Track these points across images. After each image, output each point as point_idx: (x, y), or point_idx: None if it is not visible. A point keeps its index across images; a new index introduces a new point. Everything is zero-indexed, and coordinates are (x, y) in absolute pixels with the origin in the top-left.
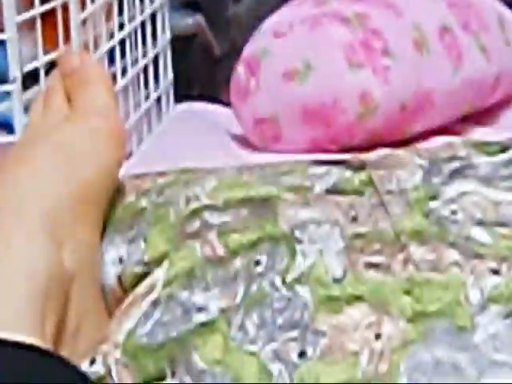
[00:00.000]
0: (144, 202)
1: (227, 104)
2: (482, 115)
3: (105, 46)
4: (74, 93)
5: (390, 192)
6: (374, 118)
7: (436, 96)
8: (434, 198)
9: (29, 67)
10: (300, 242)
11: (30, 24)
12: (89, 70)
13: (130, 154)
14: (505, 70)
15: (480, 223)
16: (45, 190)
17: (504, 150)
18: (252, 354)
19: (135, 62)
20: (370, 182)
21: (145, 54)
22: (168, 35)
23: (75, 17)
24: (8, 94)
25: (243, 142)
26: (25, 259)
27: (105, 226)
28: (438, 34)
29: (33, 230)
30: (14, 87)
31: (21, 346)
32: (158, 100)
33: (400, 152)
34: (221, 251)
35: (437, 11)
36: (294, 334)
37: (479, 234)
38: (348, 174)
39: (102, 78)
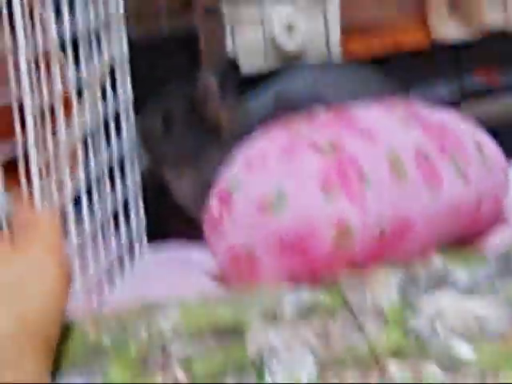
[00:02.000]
0: (105, 338)
1: (202, 243)
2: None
3: (69, 189)
4: (20, 234)
5: (364, 311)
6: (352, 246)
7: (415, 222)
8: (412, 313)
9: None
10: (270, 368)
11: None
12: (37, 219)
13: (102, 302)
14: (485, 192)
15: (461, 337)
16: None
17: (483, 262)
18: None
19: (105, 206)
20: (344, 302)
21: (114, 199)
22: (138, 178)
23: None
24: None
25: (219, 279)
26: None
27: (60, 365)
28: (414, 160)
29: None
30: None
31: None
32: (131, 244)
33: (375, 270)
34: (184, 381)
35: (412, 136)
36: None
37: (460, 347)
38: (320, 295)
39: (47, 222)
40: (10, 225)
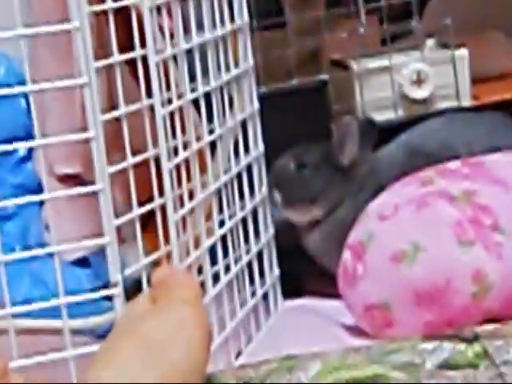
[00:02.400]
0: None
1: (337, 296)
2: None
3: (206, 243)
4: (158, 293)
5: (507, 362)
6: (490, 297)
7: None
8: None
9: (130, 271)
10: None
11: None
12: (176, 276)
13: (240, 353)
14: None
15: None
16: None
17: None
18: None
19: (239, 258)
20: (485, 354)
21: (248, 251)
22: (271, 230)
23: (172, 216)
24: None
25: (355, 331)
26: None
27: None
28: None
29: None
30: (116, 291)
31: None
32: (265, 296)
33: None
34: None
35: None
36: None
37: None
38: (461, 347)
39: (186, 279)
40: (150, 283)
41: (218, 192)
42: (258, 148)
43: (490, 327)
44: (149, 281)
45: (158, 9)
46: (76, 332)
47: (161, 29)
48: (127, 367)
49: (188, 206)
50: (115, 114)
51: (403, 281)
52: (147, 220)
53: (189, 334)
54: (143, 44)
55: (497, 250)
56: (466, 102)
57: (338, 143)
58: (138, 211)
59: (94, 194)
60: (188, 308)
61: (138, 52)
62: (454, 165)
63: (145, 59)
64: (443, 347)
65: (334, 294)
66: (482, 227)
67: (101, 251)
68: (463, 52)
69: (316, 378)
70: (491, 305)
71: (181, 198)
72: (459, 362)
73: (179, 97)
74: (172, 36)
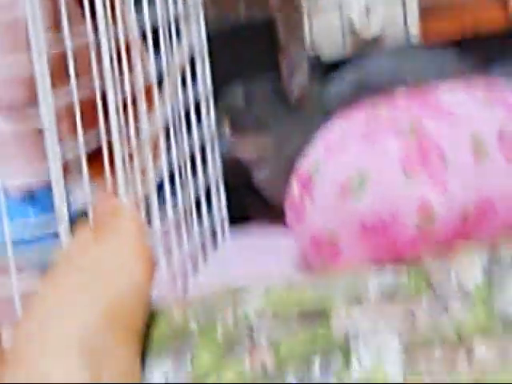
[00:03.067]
0: (191, 323)
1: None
2: None
3: (153, 180)
4: (102, 224)
5: (449, 293)
6: (435, 229)
7: (498, 203)
8: (497, 294)
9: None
10: (355, 350)
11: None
12: (118, 209)
13: (187, 287)
14: None
15: None
16: (76, 319)
17: None
18: None
19: (187, 195)
20: (429, 285)
21: (196, 188)
22: (220, 167)
23: (119, 152)
24: None
25: (302, 262)
26: None
27: (149, 350)
28: (496, 140)
29: (67, 358)
30: (62, 227)
31: None
32: (213, 233)
33: (459, 253)
34: (271, 364)
35: (494, 116)
36: None
37: None
38: (405, 278)
39: (128, 212)
40: (93, 214)
41: (166, 129)
42: (206, 84)
43: (434, 259)
44: (92, 213)
45: None
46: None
47: None
48: (71, 297)
49: (135, 142)
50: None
51: (350, 213)
52: (95, 156)
53: (132, 265)
54: None
55: (443, 182)
56: (415, 36)
57: (287, 76)
58: (84, 147)
59: (40, 131)
60: (131, 240)
61: None
62: (401, 96)
63: None
64: (387, 279)
65: (282, 225)
66: (429, 160)
67: (49, 186)
68: None
69: (261, 309)
70: (436, 236)
71: (128, 133)
72: (403, 292)
73: (125, 31)
74: None
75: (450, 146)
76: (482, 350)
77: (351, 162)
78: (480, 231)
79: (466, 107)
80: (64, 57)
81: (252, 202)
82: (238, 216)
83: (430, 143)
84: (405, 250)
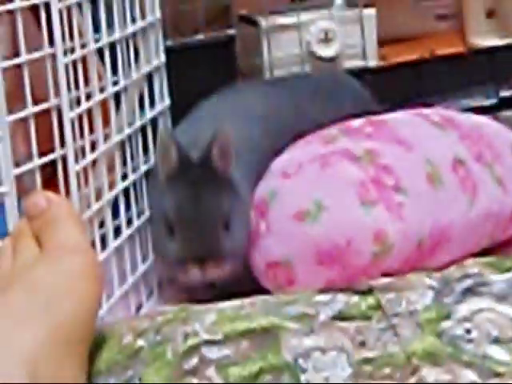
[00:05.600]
0: (141, 342)
1: None
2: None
3: (107, 196)
4: (43, 234)
5: (398, 314)
6: (390, 257)
7: (453, 230)
8: (446, 317)
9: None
10: (304, 371)
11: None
12: (56, 209)
13: (141, 306)
14: None
15: (496, 341)
16: (22, 333)
17: None
18: None
19: (142, 211)
20: (378, 306)
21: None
22: None
23: (73, 167)
24: None
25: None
26: None
27: (97, 369)
28: (451, 168)
29: (11, 372)
30: (7, 189)
31: None
32: None
33: (409, 275)
34: None
35: (449, 144)
36: None
37: (496, 352)
38: (355, 299)
39: (70, 216)
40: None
41: (122, 145)
42: (163, 101)
43: (384, 280)
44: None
45: None
46: None
47: None
48: (16, 313)
49: (90, 157)
50: (16, 61)
51: (305, 239)
52: (52, 172)
53: (79, 284)
54: None
55: (398, 210)
56: (373, 62)
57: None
58: (38, 161)
59: None
60: (78, 257)
61: None
62: (357, 123)
63: (48, 6)
64: (337, 299)
65: None
66: (384, 187)
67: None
68: (371, 12)
69: (211, 329)
70: (391, 265)
71: (83, 149)
72: (353, 313)
73: (83, 46)
74: None
75: (404, 173)
76: (430, 374)
77: (308, 189)
78: (434, 259)
79: (421, 133)
80: (19, 69)
81: None
82: None
83: (385, 170)
84: (359, 277)
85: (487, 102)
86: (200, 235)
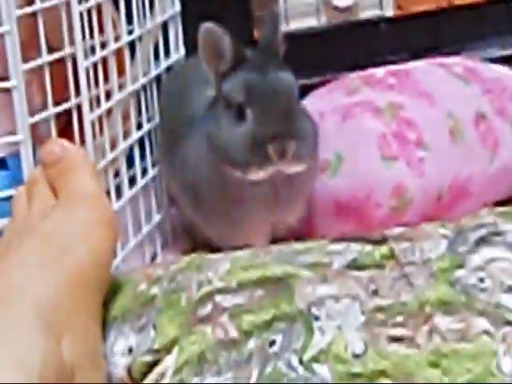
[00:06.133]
0: (155, 290)
1: None
2: None
3: (122, 145)
4: (59, 182)
5: (412, 263)
6: (409, 211)
7: (472, 185)
8: (459, 266)
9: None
10: (317, 318)
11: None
12: (71, 158)
13: (155, 256)
14: None
15: (509, 290)
16: (36, 280)
17: None
18: None
19: (156, 161)
20: (392, 255)
21: None
22: None
23: (87, 116)
24: None
25: None
26: (15, 351)
27: (112, 316)
28: (473, 122)
29: (24, 320)
30: (22, 138)
31: None
32: None
33: (423, 225)
34: (234, 333)
35: (471, 98)
36: None
37: (509, 300)
38: (368, 248)
39: (85, 165)
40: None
41: (137, 94)
42: (178, 51)
43: (398, 230)
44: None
45: None
46: None
47: None
48: (31, 260)
49: (104, 106)
50: (30, 9)
51: (325, 190)
52: (67, 121)
53: (94, 231)
54: None
55: (419, 165)
56: (390, 11)
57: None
58: (53, 110)
59: (8, 91)
60: (93, 205)
61: None
62: (380, 73)
63: None
64: (351, 248)
65: None
66: (406, 142)
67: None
68: None
69: (225, 277)
70: (409, 219)
71: (98, 98)
72: (366, 262)
73: None
74: None
75: (427, 127)
76: (443, 323)
77: (329, 140)
78: (452, 213)
79: (443, 87)
80: (34, 18)
81: None
82: None
83: (408, 124)
84: (376, 229)
85: (505, 52)
86: (279, 113)
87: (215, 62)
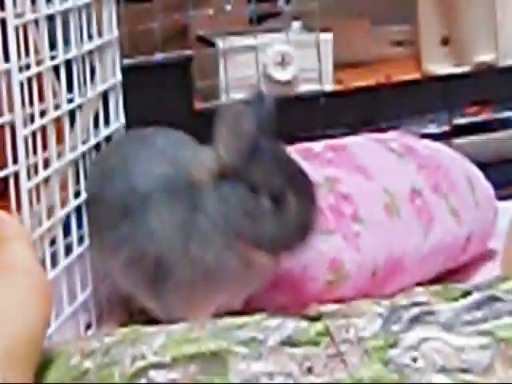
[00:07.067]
0: (88, 364)
1: None
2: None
3: (59, 213)
4: None
5: (347, 341)
6: (345, 285)
7: (407, 261)
8: (393, 345)
9: None
10: None
11: None
12: (5, 228)
13: (90, 325)
14: (475, 230)
15: (442, 370)
16: None
17: (465, 295)
18: None
19: None
20: (327, 332)
21: None
22: None
23: (24, 184)
24: None
25: None
26: None
27: None
28: (408, 198)
29: None
30: None
31: None
32: None
33: (358, 302)
34: None
35: (407, 174)
36: None
37: (441, 381)
38: (304, 324)
39: (19, 235)
40: None
41: (75, 163)
42: (119, 120)
43: (333, 307)
44: None
45: None
46: None
47: None
48: None
49: (42, 174)
50: None
51: None
52: (3, 188)
53: (27, 303)
54: (2, 7)
55: (355, 240)
56: (329, 86)
57: None
58: None
59: None
60: (27, 277)
61: None
62: (318, 147)
63: (4, 22)
64: (286, 324)
65: None
66: (343, 216)
67: None
68: (327, 36)
69: (160, 352)
70: (345, 293)
71: (36, 166)
72: (301, 339)
73: (38, 63)
74: (34, 1)
75: (362, 202)
76: None
77: None
78: (386, 287)
79: (379, 161)
80: None
81: None
82: None
83: (344, 199)
84: (312, 303)
85: (440, 129)
86: (313, 204)
87: (238, 145)
